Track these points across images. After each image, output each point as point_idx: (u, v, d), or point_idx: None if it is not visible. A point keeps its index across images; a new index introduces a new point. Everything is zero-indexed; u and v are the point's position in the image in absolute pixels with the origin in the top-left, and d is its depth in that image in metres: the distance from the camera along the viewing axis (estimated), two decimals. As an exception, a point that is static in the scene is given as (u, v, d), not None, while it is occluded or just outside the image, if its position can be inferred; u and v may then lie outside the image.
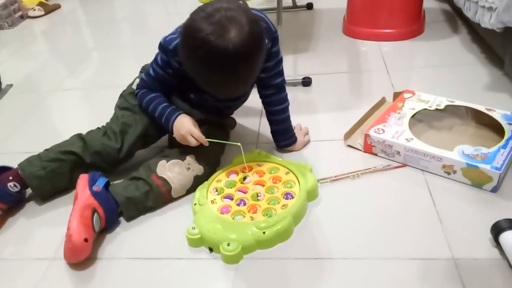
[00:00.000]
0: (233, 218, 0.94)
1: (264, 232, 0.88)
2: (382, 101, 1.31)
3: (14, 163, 1.09)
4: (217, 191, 1.02)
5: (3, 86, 1.74)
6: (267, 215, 0.93)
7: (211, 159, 1.10)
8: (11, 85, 1.77)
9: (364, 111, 1.26)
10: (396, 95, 1.28)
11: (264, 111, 1.18)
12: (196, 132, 1.02)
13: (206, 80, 0.93)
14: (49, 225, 1.04)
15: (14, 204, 1.08)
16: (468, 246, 0.85)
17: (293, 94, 1.46)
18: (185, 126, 1.02)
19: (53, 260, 0.94)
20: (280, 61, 1.09)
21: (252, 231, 0.89)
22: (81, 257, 0.90)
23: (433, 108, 1.18)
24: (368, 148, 1.13)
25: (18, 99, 1.68)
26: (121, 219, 1.02)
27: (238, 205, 0.97)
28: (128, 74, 1.25)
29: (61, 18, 2.61)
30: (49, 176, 1.06)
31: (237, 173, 1.06)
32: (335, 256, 0.86)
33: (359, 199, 1.00)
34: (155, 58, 1.07)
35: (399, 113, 1.18)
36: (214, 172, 1.08)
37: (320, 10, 2.16)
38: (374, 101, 1.31)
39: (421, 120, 1.18)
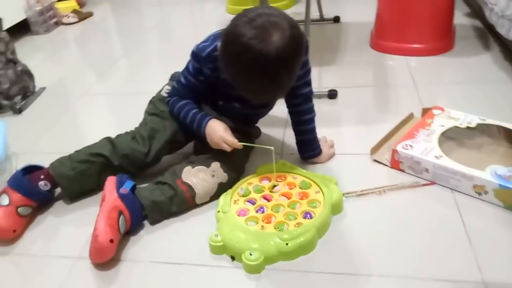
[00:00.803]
0: (246, 223, 0.94)
1: (287, 244, 0.87)
2: (410, 116, 1.29)
3: (44, 163, 1.12)
4: (244, 192, 1.03)
5: (36, 88, 1.79)
6: (278, 228, 0.92)
7: (236, 167, 1.10)
8: (44, 88, 1.82)
9: (391, 126, 1.24)
10: (425, 111, 1.26)
11: (289, 121, 1.18)
12: (229, 138, 1.02)
13: (247, 85, 0.93)
14: (76, 225, 1.06)
15: (44, 202, 1.10)
16: (499, 270, 0.82)
17: (318, 106, 1.43)
18: (217, 133, 1.03)
19: (78, 259, 0.95)
20: (309, 71, 1.09)
21: (275, 242, 0.88)
22: (106, 257, 0.91)
23: (463, 126, 1.16)
24: (395, 164, 1.11)
25: (50, 102, 1.73)
26: (145, 222, 1.03)
27: (257, 211, 0.98)
28: (154, 81, 1.28)
29: (93, 25, 2.68)
30: (78, 177, 1.08)
31: (270, 180, 1.06)
32: (359, 272, 0.85)
33: (385, 216, 0.98)
34: (187, 66, 1.09)
35: (428, 129, 1.16)
36: (238, 180, 1.09)
37: (347, 23, 2.16)
38: (401, 116, 1.29)
39: (451, 137, 1.16)
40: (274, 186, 1.04)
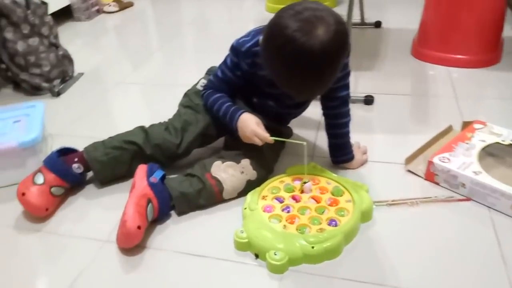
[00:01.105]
0: (269, 220, 0.93)
1: (312, 247, 0.86)
2: (449, 129, 1.25)
3: (78, 146, 1.14)
4: (274, 190, 1.02)
5: (75, 73, 1.83)
6: (299, 230, 0.91)
7: (265, 166, 1.09)
8: (82, 74, 1.86)
9: (428, 137, 1.21)
10: (466, 125, 1.21)
11: (322, 123, 1.16)
12: (261, 132, 1.01)
13: (287, 80, 0.91)
14: (105, 209, 1.07)
15: (76, 184, 1.12)
16: (535, 294, 0.78)
17: (353, 111, 1.40)
18: (249, 127, 1.02)
19: (106, 242, 0.96)
20: (348, 74, 1.08)
21: (300, 244, 0.87)
22: (133, 243, 0.91)
23: (506, 142, 1.11)
24: (430, 176, 1.08)
25: (87, 88, 1.76)
26: (172, 212, 1.03)
27: (282, 210, 0.97)
28: (188, 74, 1.28)
29: (133, 16, 2.72)
30: (111, 162, 1.09)
31: (301, 179, 1.05)
32: (386, 283, 0.82)
33: (416, 228, 0.95)
34: (225, 60, 1.08)
35: (467, 143, 1.11)
36: (266, 179, 1.07)
37: (388, 29, 2.11)
38: (439, 127, 1.25)
39: (492, 154, 1.11)
40: (305, 182, 1.02)
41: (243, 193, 1.04)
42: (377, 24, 2.13)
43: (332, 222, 0.93)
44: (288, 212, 0.96)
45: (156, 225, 0.99)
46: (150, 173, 1.01)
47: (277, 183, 1.05)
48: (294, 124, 1.33)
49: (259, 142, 1.02)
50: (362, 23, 2.13)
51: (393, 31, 2.09)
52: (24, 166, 1.15)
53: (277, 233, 0.90)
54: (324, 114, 1.14)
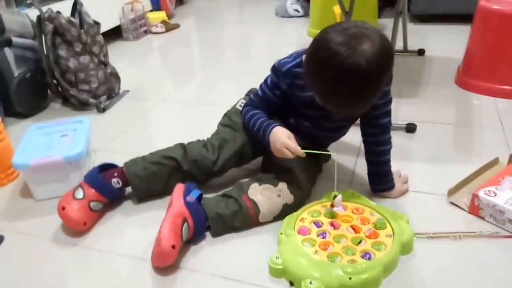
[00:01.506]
0: (302, 243, 0.92)
1: (350, 278, 0.83)
2: (495, 161, 1.20)
3: (119, 162, 1.17)
4: (314, 213, 1.02)
5: (121, 90, 1.90)
6: (330, 258, 0.89)
7: (303, 189, 1.08)
8: (128, 91, 1.93)
9: (472, 169, 1.16)
10: (513, 158, 1.17)
11: (361, 150, 1.15)
12: (291, 145, 1.00)
13: (329, 93, 0.90)
14: (142, 226, 1.08)
15: (114, 199, 1.14)
16: None
17: (394, 139, 1.37)
18: (280, 139, 1.01)
19: (140, 260, 0.97)
20: (390, 101, 1.07)
21: (337, 274, 0.84)
22: (167, 262, 0.92)
23: (557, 178, 1.06)
24: (475, 209, 1.04)
25: (131, 104, 1.82)
26: (207, 234, 1.03)
27: (318, 235, 0.95)
28: (229, 95, 1.30)
29: (178, 37, 2.81)
30: (149, 177, 1.12)
31: (346, 209, 1.02)
32: (425, 320, 0.79)
33: (458, 263, 0.91)
34: (265, 80, 1.11)
35: (515, 177, 1.07)
36: (304, 204, 1.06)
37: (432, 57, 2.08)
38: (484, 159, 1.20)
39: (541, 189, 1.06)
40: (335, 196, 1.00)
41: (279, 217, 1.04)
42: (420, 52, 2.09)
43: (366, 254, 0.90)
44: (324, 238, 0.95)
45: (191, 246, 1.00)
46: (187, 192, 1.02)
47: (319, 207, 1.04)
48: (334, 149, 1.32)
49: (289, 155, 1.00)
50: (405, 51, 2.10)
51: (436, 59, 2.05)
52: (68, 180, 1.19)
53: (313, 261, 0.88)
54: (364, 141, 1.12)
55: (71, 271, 0.97)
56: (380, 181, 1.12)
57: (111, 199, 1.13)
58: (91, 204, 1.07)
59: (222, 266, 0.94)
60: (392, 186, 1.11)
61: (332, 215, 1.01)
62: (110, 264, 0.97)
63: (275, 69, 1.06)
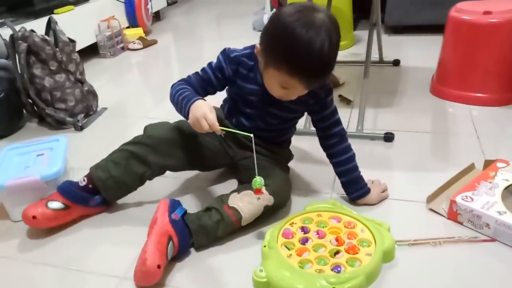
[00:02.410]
0: (280, 246, 0.95)
1: (333, 287, 0.84)
2: (471, 167, 1.23)
3: (99, 180, 1.15)
4: (306, 220, 1.03)
5: (98, 108, 1.88)
6: (300, 264, 0.91)
7: (281, 189, 1.09)
8: (106, 108, 1.91)
9: (449, 175, 1.19)
10: (488, 163, 1.19)
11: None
12: (210, 116, 0.97)
13: (291, 46, 0.91)
14: (122, 242, 1.07)
15: (78, 202, 1.13)
16: None
17: (372, 148, 1.43)
18: (202, 110, 0.97)
19: (122, 279, 0.95)
20: (335, 111, 1.13)
21: (320, 284, 0.84)
22: (152, 282, 0.90)
23: (531, 181, 1.09)
24: (453, 215, 1.05)
25: (110, 122, 1.80)
26: (192, 250, 1.02)
27: (299, 240, 0.97)
28: None
29: (156, 53, 2.81)
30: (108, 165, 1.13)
31: (340, 220, 1.03)
32: (409, 328, 0.79)
33: (439, 269, 0.92)
34: (209, 63, 1.12)
35: (490, 182, 1.09)
36: (283, 205, 1.10)
37: (407, 67, 2.13)
38: (461, 165, 1.23)
39: (516, 193, 1.09)
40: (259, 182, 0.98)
41: (262, 217, 1.05)
42: (396, 63, 2.14)
43: (337, 267, 0.89)
44: (304, 244, 0.96)
45: (176, 263, 0.98)
46: (172, 210, 1.01)
47: (314, 216, 1.04)
48: (313, 160, 1.34)
49: (205, 126, 0.96)
50: (381, 61, 2.15)
51: (411, 69, 2.10)
52: (46, 199, 1.17)
53: (297, 272, 0.88)
54: (327, 155, 1.16)
55: (50, 294, 0.95)
56: (356, 188, 1.13)
57: (72, 200, 1.11)
58: (48, 202, 1.09)
59: (208, 282, 0.93)
60: (368, 190, 1.13)
61: (323, 225, 1.01)
62: (92, 284, 0.95)
63: (224, 53, 1.08)
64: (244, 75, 1.08)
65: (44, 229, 1.11)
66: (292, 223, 1.02)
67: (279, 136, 1.21)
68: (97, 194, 1.14)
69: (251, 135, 0.98)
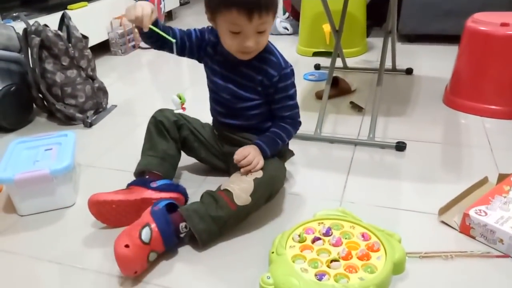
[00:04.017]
0: (289, 246, 0.95)
1: (342, 298, 0.82)
2: (484, 180, 1.21)
3: (106, 178, 1.15)
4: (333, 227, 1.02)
5: (108, 105, 1.88)
6: (292, 258, 0.92)
7: (271, 167, 1.08)
8: (115, 106, 1.90)
9: (461, 188, 1.17)
10: (502, 177, 1.17)
11: (353, 169, 1.21)
12: (147, 11, 1.00)
13: None
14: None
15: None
16: None
17: (382, 157, 1.41)
18: (145, 3, 1.01)
19: (126, 278, 0.94)
20: (289, 97, 1.14)
21: (329, 294, 0.83)
22: (128, 265, 0.90)
23: (547, 198, 1.06)
24: (466, 229, 1.03)
25: (118, 120, 1.80)
26: (196, 253, 1.01)
27: (312, 239, 0.97)
28: None
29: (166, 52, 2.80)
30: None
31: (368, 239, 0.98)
32: None
33: (450, 284, 0.90)
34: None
35: (505, 197, 1.07)
36: (274, 181, 1.09)
37: (419, 76, 2.10)
38: (473, 178, 1.21)
39: (531, 209, 1.07)
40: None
41: (256, 194, 1.02)
42: (409, 71, 2.12)
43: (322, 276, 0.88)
44: (313, 242, 0.96)
45: (179, 265, 0.97)
46: (154, 206, 1.01)
47: (347, 224, 1.02)
48: (322, 166, 1.32)
49: (138, 13, 0.99)
50: (394, 69, 2.13)
51: (424, 78, 2.08)
52: (54, 194, 1.16)
53: (305, 281, 0.86)
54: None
55: (53, 290, 0.94)
56: (264, 139, 1.12)
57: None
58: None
59: (213, 285, 0.92)
60: (266, 155, 1.09)
61: (347, 236, 0.99)
62: (95, 283, 0.94)
63: (209, 27, 1.15)
64: (214, 44, 1.14)
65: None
66: (322, 222, 1.02)
67: (251, 124, 1.19)
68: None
69: (174, 40, 1.08)
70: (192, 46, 1.15)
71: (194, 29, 1.16)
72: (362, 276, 0.87)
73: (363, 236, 0.98)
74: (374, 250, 0.94)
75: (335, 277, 0.87)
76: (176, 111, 1.11)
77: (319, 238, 0.97)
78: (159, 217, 0.97)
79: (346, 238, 0.98)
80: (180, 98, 1.06)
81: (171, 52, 1.12)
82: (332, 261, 0.91)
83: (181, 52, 1.15)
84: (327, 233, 0.99)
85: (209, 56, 1.17)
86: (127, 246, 0.89)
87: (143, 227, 0.94)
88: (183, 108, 1.01)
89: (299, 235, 0.98)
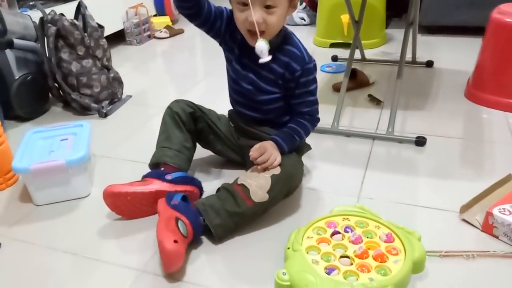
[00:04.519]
0: (307, 237, 0.94)
1: (360, 297, 0.80)
2: (508, 178, 1.17)
3: (120, 169, 1.14)
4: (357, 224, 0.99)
5: (123, 96, 1.87)
6: (307, 249, 0.90)
7: (289, 163, 1.06)
8: (131, 96, 1.90)
9: (483, 185, 1.13)
10: (527, 175, 1.13)
11: (371, 165, 1.19)
12: None
13: None
14: (143, 237, 1.04)
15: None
16: None
17: (402, 152, 1.37)
18: None
19: (142, 272, 0.94)
20: (309, 92, 1.11)
21: (346, 292, 0.81)
22: (177, 259, 0.89)
23: None
24: (488, 228, 1.00)
25: (133, 110, 1.79)
26: (213, 246, 1.00)
27: (331, 235, 0.95)
28: (228, 105, 1.28)
29: (182, 42, 2.79)
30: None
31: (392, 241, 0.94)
32: None
33: (472, 284, 0.88)
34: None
35: (530, 195, 1.03)
36: (291, 178, 1.07)
37: (440, 69, 2.05)
38: (495, 175, 1.17)
39: (558, 208, 1.03)
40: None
41: (274, 191, 1.00)
42: (429, 64, 2.07)
43: (332, 270, 0.86)
44: (332, 236, 0.94)
45: (200, 258, 0.97)
46: (169, 200, 1.00)
47: (371, 223, 0.99)
48: (339, 160, 1.29)
49: None
50: (414, 62, 2.08)
51: (445, 71, 2.02)
52: (69, 184, 1.16)
53: (321, 278, 0.84)
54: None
55: (70, 282, 0.93)
56: (282, 135, 1.09)
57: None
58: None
59: (228, 282, 0.91)
60: (283, 151, 1.07)
61: (369, 235, 0.95)
62: (111, 275, 0.94)
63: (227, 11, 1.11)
64: (233, 29, 1.10)
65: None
66: (346, 218, 0.99)
67: (269, 118, 1.17)
68: None
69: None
70: (222, 26, 1.12)
71: (225, 8, 1.11)
72: (372, 277, 0.84)
73: (386, 236, 0.95)
74: (393, 253, 0.90)
75: (345, 274, 0.85)
76: (263, 60, 0.98)
77: (338, 232, 0.95)
78: (185, 210, 0.97)
79: (367, 237, 0.95)
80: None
81: (202, 26, 1.12)
82: (342, 257, 0.89)
83: (209, 30, 1.13)
84: (349, 230, 0.96)
85: (232, 39, 1.14)
86: (175, 241, 0.88)
87: (177, 221, 0.93)
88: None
89: (321, 227, 0.97)
